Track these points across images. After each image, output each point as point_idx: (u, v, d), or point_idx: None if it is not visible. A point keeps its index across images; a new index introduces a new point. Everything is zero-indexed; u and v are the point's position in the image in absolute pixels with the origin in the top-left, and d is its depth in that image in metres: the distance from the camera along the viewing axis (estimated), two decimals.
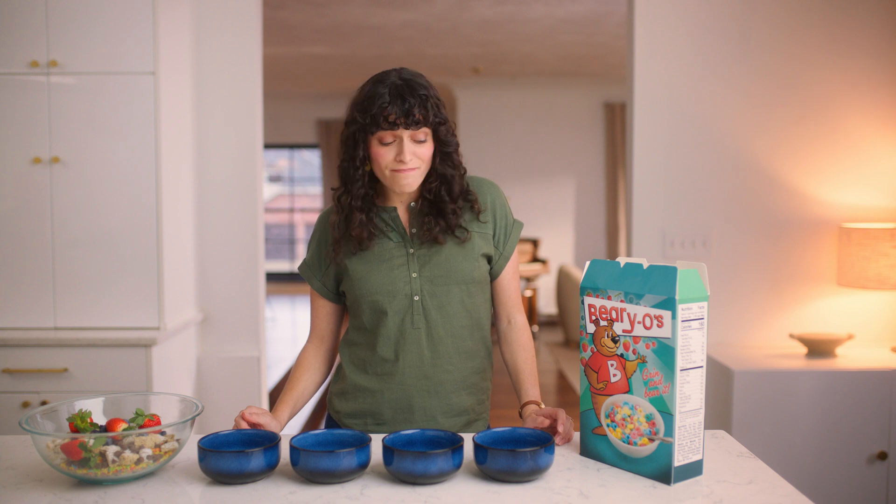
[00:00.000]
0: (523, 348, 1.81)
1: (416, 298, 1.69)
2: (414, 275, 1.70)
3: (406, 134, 1.63)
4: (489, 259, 1.77)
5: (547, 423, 1.63)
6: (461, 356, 1.73)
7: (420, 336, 1.70)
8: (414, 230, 1.73)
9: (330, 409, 1.82)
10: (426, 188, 1.72)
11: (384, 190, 1.74)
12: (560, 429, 1.60)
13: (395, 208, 1.73)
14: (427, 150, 1.66)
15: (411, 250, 1.71)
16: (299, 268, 1.84)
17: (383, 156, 1.64)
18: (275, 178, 12.08)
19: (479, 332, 1.77)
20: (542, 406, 1.73)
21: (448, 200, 1.71)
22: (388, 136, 1.63)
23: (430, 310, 1.70)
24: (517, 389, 1.80)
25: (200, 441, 1.44)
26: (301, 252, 12.04)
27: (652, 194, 3.23)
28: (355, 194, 1.70)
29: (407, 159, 1.63)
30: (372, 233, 1.71)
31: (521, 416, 1.76)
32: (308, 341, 1.85)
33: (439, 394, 1.72)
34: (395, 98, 1.61)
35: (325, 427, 1.82)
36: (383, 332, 1.70)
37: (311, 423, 5.17)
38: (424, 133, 1.65)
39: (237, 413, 3.28)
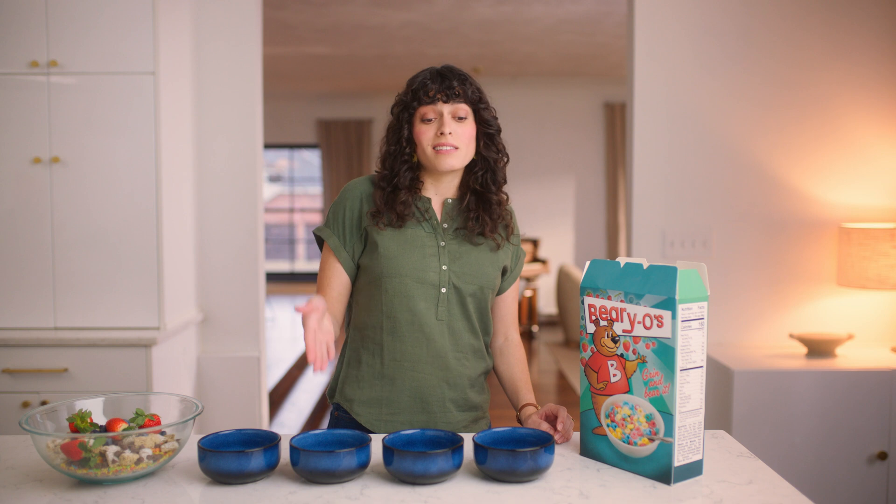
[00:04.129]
0: (519, 361, 1.86)
1: (444, 291, 1.71)
2: (444, 267, 1.71)
3: (446, 109, 1.68)
4: (503, 272, 1.81)
5: (546, 426, 1.63)
6: (474, 354, 1.76)
7: (444, 328, 1.71)
8: (446, 224, 1.74)
9: (339, 397, 1.78)
10: (473, 177, 1.75)
11: (424, 179, 1.76)
12: (560, 427, 1.61)
13: (429, 199, 1.75)
14: (468, 129, 1.70)
15: (442, 243, 1.73)
16: (319, 230, 1.77)
17: (425, 133, 1.69)
18: (275, 178, 12.08)
19: (486, 336, 1.81)
20: (539, 407, 1.74)
21: (494, 190, 1.76)
22: (429, 111, 1.68)
23: (453, 304, 1.72)
24: (513, 396, 1.82)
25: (200, 441, 1.44)
26: (301, 253, 12.04)
27: (652, 194, 3.23)
28: (402, 175, 1.72)
29: (447, 130, 1.66)
30: (412, 212, 1.73)
31: (518, 420, 1.77)
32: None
33: (457, 386, 1.74)
34: (436, 76, 1.69)
35: (331, 423, 1.82)
36: (405, 318, 1.70)
37: (312, 422, 5.17)
38: (465, 111, 1.69)
39: (237, 413, 3.33)
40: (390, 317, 1.71)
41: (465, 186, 1.77)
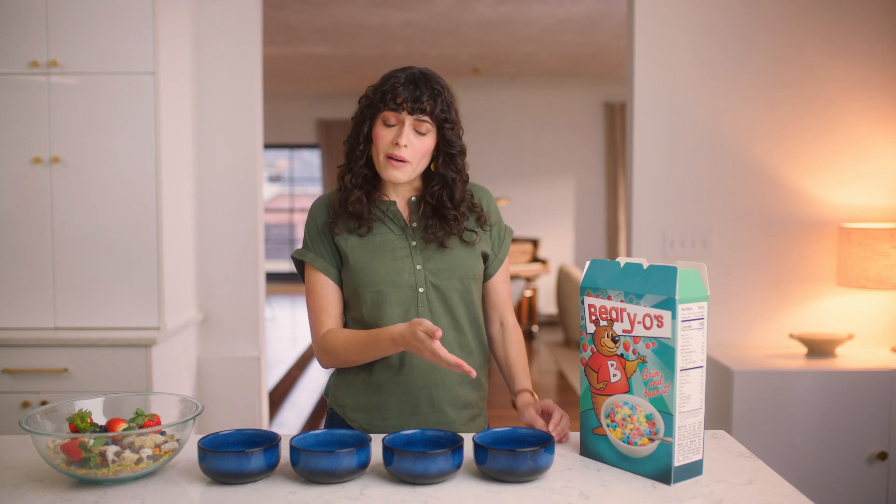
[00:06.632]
0: (516, 344, 1.83)
1: (421, 290, 1.70)
2: (418, 267, 1.70)
3: (409, 120, 1.65)
4: (485, 258, 1.79)
5: (541, 423, 1.63)
6: (463, 350, 1.75)
7: None
8: (414, 224, 1.74)
9: (332, 402, 1.79)
10: (428, 191, 1.73)
11: (384, 183, 1.75)
12: (552, 428, 1.61)
13: (394, 202, 1.74)
14: (426, 145, 1.68)
15: (413, 243, 1.72)
16: (299, 253, 1.76)
17: (383, 137, 1.66)
18: (275, 178, 12.09)
19: (477, 328, 1.79)
20: (536, 397, 1.73)
21: (450, 206, 1.72)
22: (391, 117, 1.65)
23: (434, 302, 1.71)
24: (509, 380, 1.80)
25: (200, 441, 1.44)
26: None
27: (652, 194, 3.23)
28: (356, 172, 1.71)
29: (403, 142, 1.64)
30: (370, 212, 1.71)
31: (514, 405, 1.76)
32: (332, 327, 1.74)
33: (446, 385, 1.73)
34: (409, 83, 1.65)
35: (326, 423, 1.81)
36: (386, 324, 1.69)
37: (312, 422, 5.17)
38: (427, 128, 1.67)
39: (237, 413, 3.33)
40: (372, 325, 1.71)
41: (423, 189, 1.76)
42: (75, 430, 1.43)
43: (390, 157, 1.66)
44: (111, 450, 1.38)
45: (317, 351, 1.75)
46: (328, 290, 1.75)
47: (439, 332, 1.48)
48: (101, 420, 1.52)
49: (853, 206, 3.22)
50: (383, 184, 1.75)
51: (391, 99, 1.64)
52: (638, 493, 1.37)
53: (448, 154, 1.71)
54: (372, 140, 1.69)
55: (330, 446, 1.48)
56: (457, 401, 1.74)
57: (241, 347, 3.39)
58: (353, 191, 1.71)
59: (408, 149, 1.65)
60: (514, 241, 7.51)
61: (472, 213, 1.77)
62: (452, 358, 1.49)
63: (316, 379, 6.39)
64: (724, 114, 3.21)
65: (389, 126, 1.66)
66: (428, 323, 1.50)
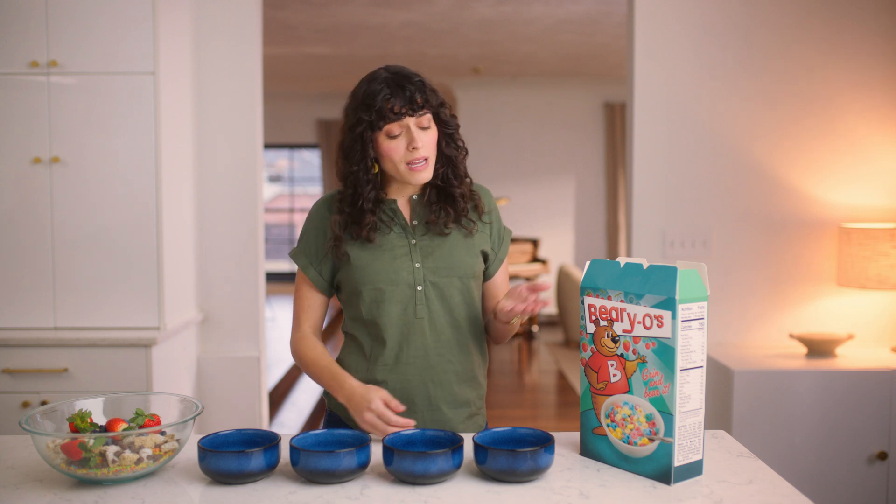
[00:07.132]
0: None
1: (420, 288, 1.70)
2: (417, 265, 1.71)
3: (412, 122, 1.66)
4: (485, 258, 1.80)
5: (525, 300, 1.62)
6: (461, 348, 1.75)
7: (423, 326, 1.71)
8: (415, 222, 1.74)
9: (331, 403, 1.80)
10: (434, 173, 1.74)
11: (388, 183, 1.76)
12: (529, 301, 1.61)
13: (394, 201, 1.75)
14: (433, 136, 1.70)
15: (413, 241, 1.73)
16: (293, 254, 1.80)
17: (395, 150, 1.66)
18: (275, 178, 12.08)
19: (476, 326, 1.78)
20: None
21: (455, 184, 1.74)
22: (395, 128, 1.65)
23: (432, 300, 1.71)
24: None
25: (200, 441, 1.45)
26: None
27: (652, 194, 3.23)
28: (367, 197, 1.70)
29: (418, 145, 1.65)
30: (377, 229, 1.73)
31: (494, 314, 1.75)
32: (306, 333, 1.79)
33: (443, 383, 1.73)
34: (395, 89, 1.65)
35: (326, 424, 1.82)
36: (385, 321, 1.70)
37: (312, 422, 5.17)
38: (428, 119, 1.68)
39: (237, 413, 3.33)
40: (371, 324, 1.72)
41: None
42: (75, 430, 1.43)
43: (411, 164, 1.66)
44: (111, 450, 1.38)
45: (291, 346, 1.80)
46: (314, 297, 1.79)
47: (401, 408, 1.60)
48: (101, 420, 1.53)
49: (853, 206, 3.22)
50: (386, 184, 1.76)
51: (390, 111, 1.64)
52: (638, 493, 1.37)
53: (447, 134, 1.73)
54: (380, 158, 1.69)
55: (330, 446, 1.48)
56: (453, 399, 1.74)
57: (241, 347, 3.39)
58: (366, 215, 1.70)
59: (423, 147, 1.67)
60: (514, 241, 7.51)
61: (471, 201, 1.78)
62: (401, 422, 1.59)
63: None
64: (724, 114, 3.21)
65: (394, 137, 1.66)
66: (388, 395, 1.61)
